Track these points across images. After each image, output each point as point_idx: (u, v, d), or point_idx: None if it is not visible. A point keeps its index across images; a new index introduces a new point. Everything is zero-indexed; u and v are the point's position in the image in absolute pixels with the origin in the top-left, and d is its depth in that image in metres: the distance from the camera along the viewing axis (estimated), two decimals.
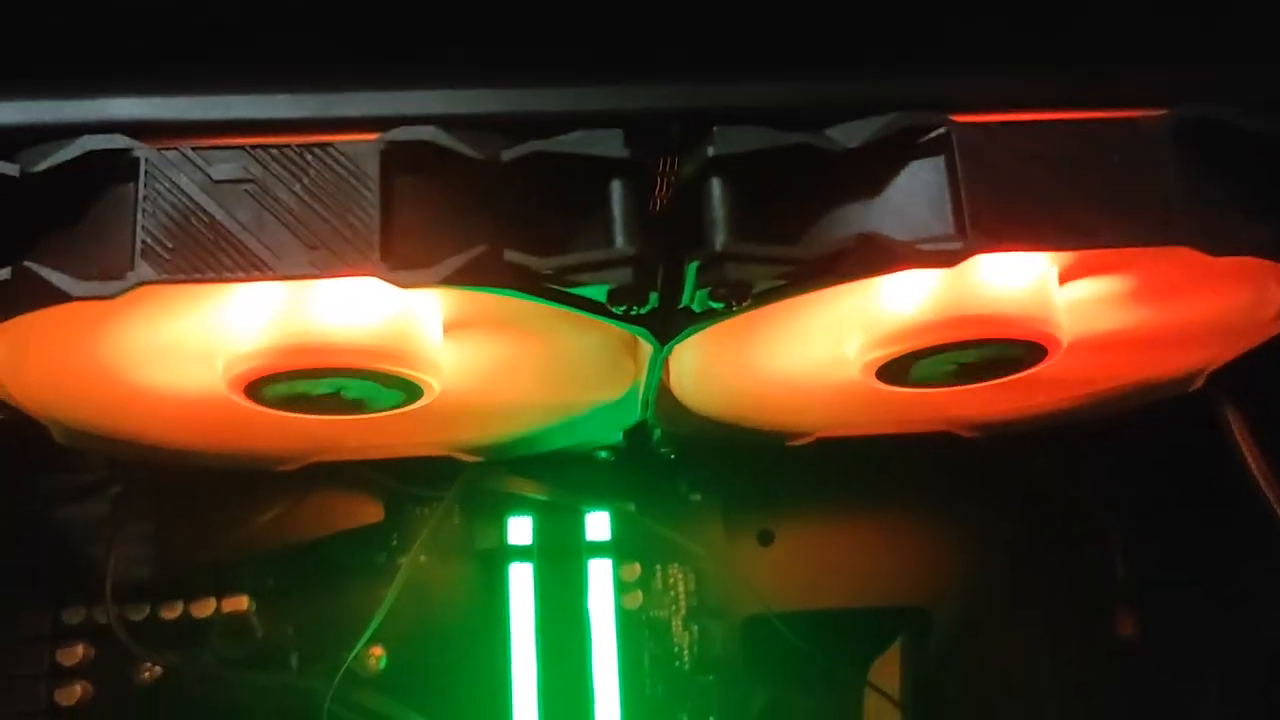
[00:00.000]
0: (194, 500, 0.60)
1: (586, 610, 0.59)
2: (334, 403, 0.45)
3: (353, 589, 0.61)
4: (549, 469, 0.62)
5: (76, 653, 0.60)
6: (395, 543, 0.62)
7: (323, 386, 0.44)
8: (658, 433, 0.58)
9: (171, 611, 0.60)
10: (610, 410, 0.55)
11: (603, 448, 0.60)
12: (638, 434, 0.59)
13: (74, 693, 0.59)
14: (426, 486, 0.62)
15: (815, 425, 0.60)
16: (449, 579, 0.62)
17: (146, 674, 0.60)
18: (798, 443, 0.61)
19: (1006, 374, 0.48)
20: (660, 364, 0.47)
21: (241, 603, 0.60)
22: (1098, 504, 0.64)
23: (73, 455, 0.53)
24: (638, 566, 0.62)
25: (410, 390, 0.45)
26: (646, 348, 0.45)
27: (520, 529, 0.62)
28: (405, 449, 0.59)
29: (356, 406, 0.46)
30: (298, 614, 0.61)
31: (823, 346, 0.49)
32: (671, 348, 0.44)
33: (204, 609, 0.60)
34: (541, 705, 0.57)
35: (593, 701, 0.58)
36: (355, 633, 0.58)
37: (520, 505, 0.62)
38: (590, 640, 0.59)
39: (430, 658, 0.60)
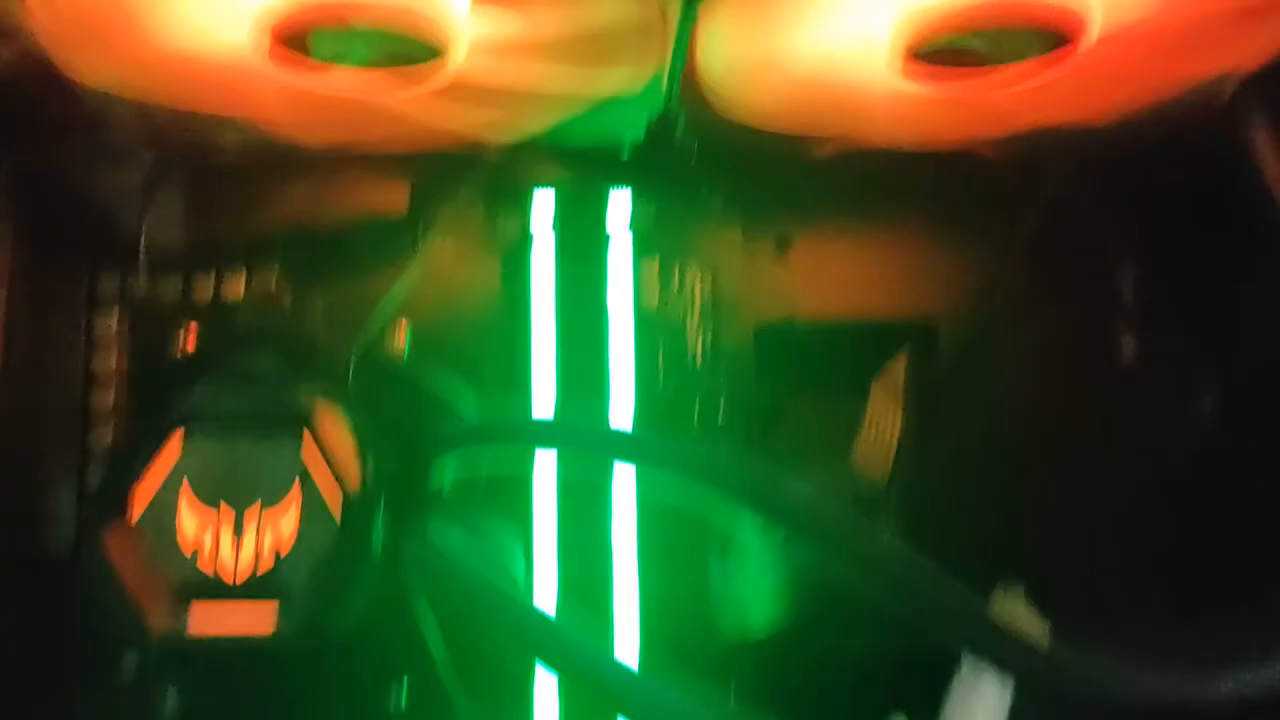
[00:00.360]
0: (225, 178, 0.61)
1: (605, 295, 0.60)
2: (357, 56, 0.45)
3: (379, 275, 0.62)
4: (572, 163, 0.62)
5: (111, 322, 0.62)
6: (421, 230, 0.63)
7: (346, 41, 0.44)
8: (680, 129, 0.58)
9: (203, 285, 0.62)
10: (635, 101, 0.55)
11: (625, 143, 0.61)
12: (661, 132, 0.59)
13: (110, 360, 0.62)
14: (451, 175, 0.62)
15: (840, 131, 0.60)
16: (472, 264, 0.63)
17: (181, 346, 0.62)
18: (821, 152, 0.61)
19: (1035, 58, 0.48)
20: (689, 29, 0.47)
21: (270, 279, 0.62)
22: (1110, 224, 0.65)
23: (107, 120, 0.54)
24: (656, 263, 0.64)
25: (431, 53, 0.45)
26: (674, 23, 0.45)
27: (542, 216, 0.62)
28: (430, 140, 0.60)
29: (380, 62, 0.46)
30: (325, 294, 0.62)
31: (855, 27, 0.49)
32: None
33: (234, 285, 0.62)
34: (559, 385, 0.60)
35: (608, 385, 0.60)
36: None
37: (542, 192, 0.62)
38: (607, 327, 0.60)
39: (453, 340, 0.62)
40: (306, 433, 0.51)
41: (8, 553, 0.59)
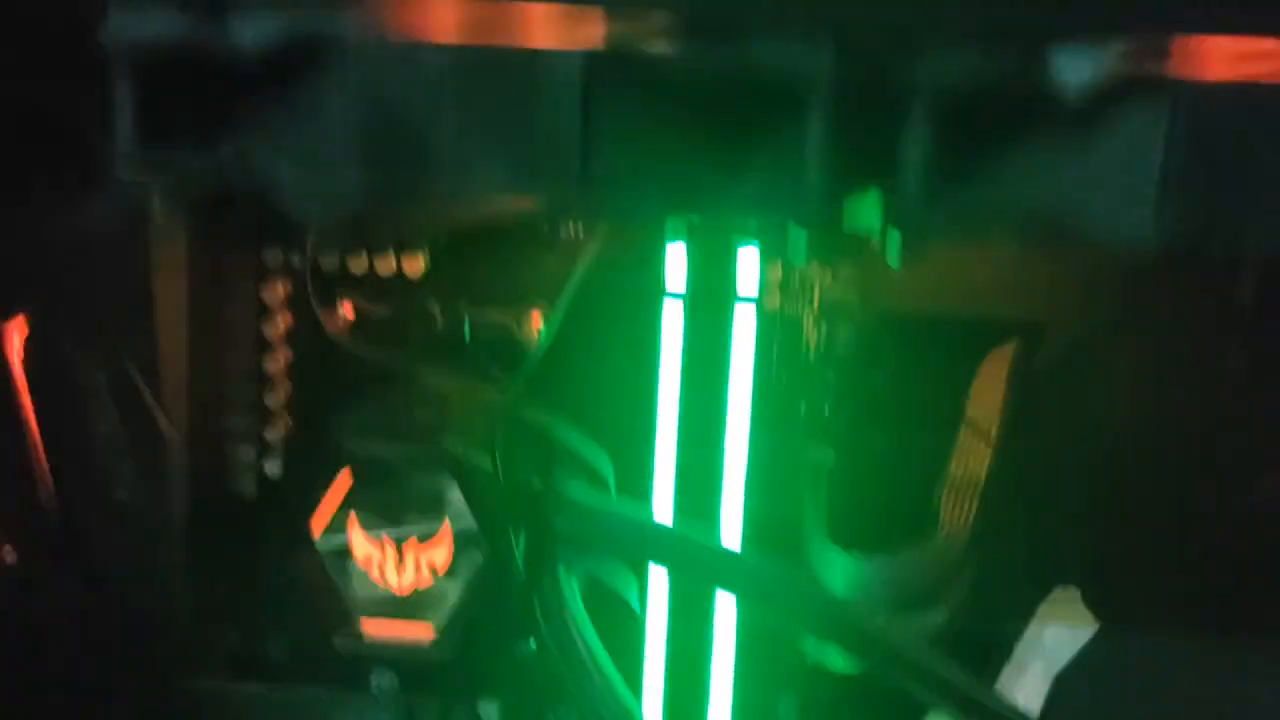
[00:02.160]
0: None
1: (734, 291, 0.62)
2: None
3: (519, 263, 0.67)
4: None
5: (278, 291, 0.68)
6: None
7: None
8: None
9: (358, 263, 0.68)
10: None
11: None
12: None
13: (278, 326, 0.69)
14: None
15: None
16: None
17: (341, 318, 0.68)
18: None
19: None
20: None
21: (419, 260, 0.67)
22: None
23: None
24: (780, 265, 0.65)
25: None
26: None
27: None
28: None
29: None
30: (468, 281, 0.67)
31: None
32: None
33: (385, 264, 0.67)
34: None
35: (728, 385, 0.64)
36: (518, 299, 0.64)
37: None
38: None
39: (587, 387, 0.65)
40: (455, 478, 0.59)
41: (199, 503, 0.68)
